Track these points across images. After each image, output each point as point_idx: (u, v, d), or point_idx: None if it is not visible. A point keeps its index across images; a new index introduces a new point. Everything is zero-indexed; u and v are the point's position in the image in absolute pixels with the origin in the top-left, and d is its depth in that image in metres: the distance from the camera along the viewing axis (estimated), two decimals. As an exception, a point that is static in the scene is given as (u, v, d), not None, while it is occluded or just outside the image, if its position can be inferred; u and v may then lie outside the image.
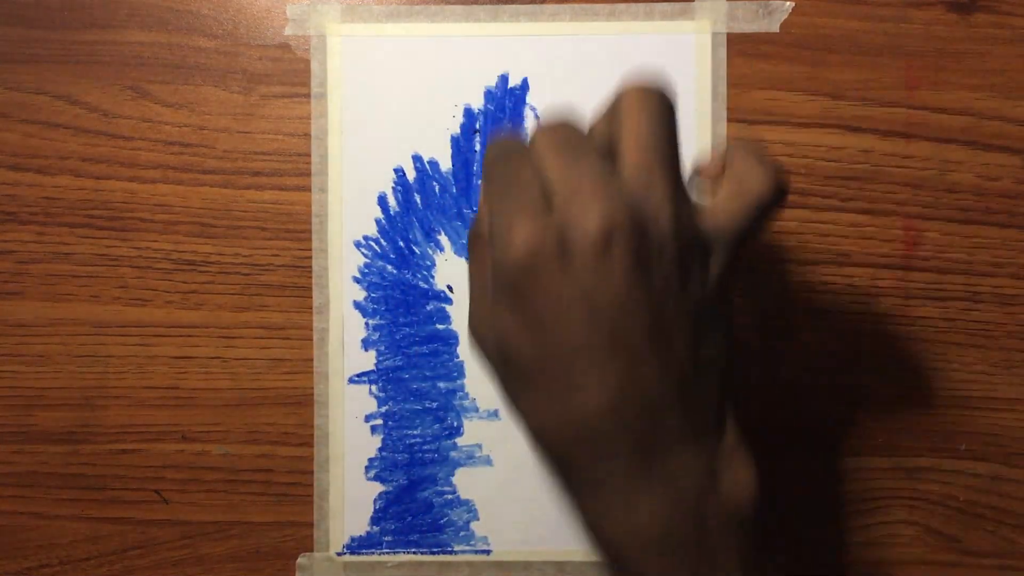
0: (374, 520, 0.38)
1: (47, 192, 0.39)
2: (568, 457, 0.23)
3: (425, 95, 0.39)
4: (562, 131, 0.24)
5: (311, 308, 0.39)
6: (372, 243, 0.39)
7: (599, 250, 0.21)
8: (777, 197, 0.24)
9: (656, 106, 0.23)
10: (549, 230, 0.22)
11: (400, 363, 0.39)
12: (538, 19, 0.38)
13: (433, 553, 0.38)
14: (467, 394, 0.38)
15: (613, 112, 0.24)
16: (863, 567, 0.38)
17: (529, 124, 0.39)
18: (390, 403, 0.38)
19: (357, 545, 0.38)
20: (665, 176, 0.23)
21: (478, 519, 0.38)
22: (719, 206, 0.24)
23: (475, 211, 0.39)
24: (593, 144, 0.23)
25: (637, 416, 0.22)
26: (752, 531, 0.23)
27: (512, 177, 0.23)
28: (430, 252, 0.39)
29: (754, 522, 0.23)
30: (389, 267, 0.39)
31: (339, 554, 0.38)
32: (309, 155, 0.39)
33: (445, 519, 0.38)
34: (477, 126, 0.38)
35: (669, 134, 0.23)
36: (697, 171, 0.27)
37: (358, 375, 0.38)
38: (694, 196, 0.24)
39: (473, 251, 0.26)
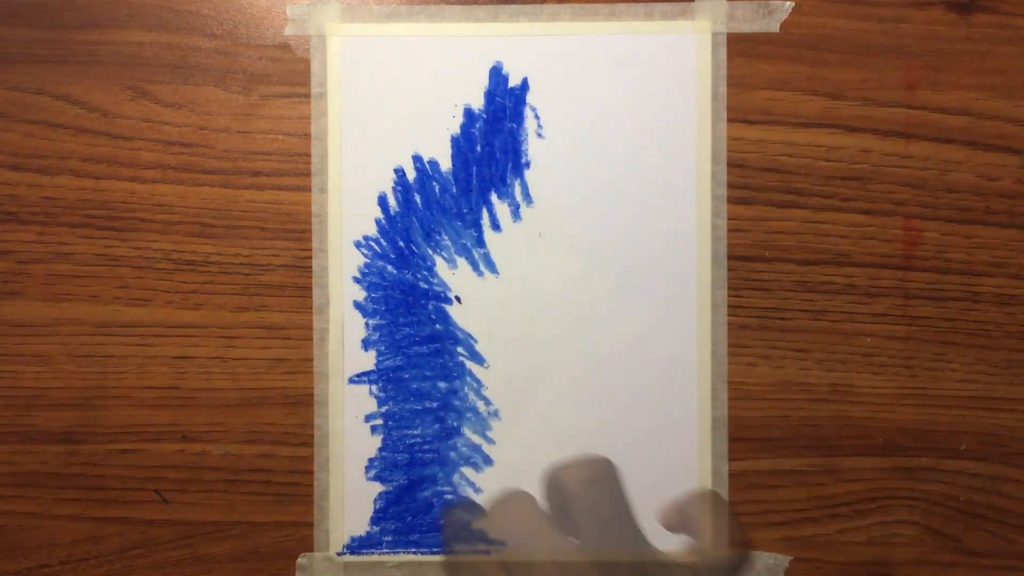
0: (374, 520, 0.38)
1: (47, 192, 0.39)
2: None
3: (425, 95, 0.39)
4: (517, 509, 0.24)
5: (311, 308, 0.39)
6: (372, 243, 0.39)
7: None
8: (738, 566, 0.24)
9: (603, 484, 0.24)
10: None
11: (400, 363, 0.39)
12: (538, 19, 0.38)
13: (433, 553, 0.38)
14: (467, 394, 0.38)
15: (560, 493, 0.24)
16: (863, 567, 0.38)
17: (528, 125, 0.39)
18: (390, 403, 0.38)
19: (357, 545, 0.38)
20: (623, 552, 0.23)
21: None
22: (688, 559, 0.24)
23: (473, 215, 0.39)
24: (546, 523, 0.24)
25: None
26: None
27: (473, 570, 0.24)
28: (430, 252, 0.39)
29: None
30: (389, 267, 0.39)
31: (339, 554, 0.38)
32: (309, 155, 0.39)
33: (445, 519, 0.38)
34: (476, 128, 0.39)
35: (621, 510, 0.24)
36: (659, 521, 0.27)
37: (358, 375, 0.38)
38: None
39: None
